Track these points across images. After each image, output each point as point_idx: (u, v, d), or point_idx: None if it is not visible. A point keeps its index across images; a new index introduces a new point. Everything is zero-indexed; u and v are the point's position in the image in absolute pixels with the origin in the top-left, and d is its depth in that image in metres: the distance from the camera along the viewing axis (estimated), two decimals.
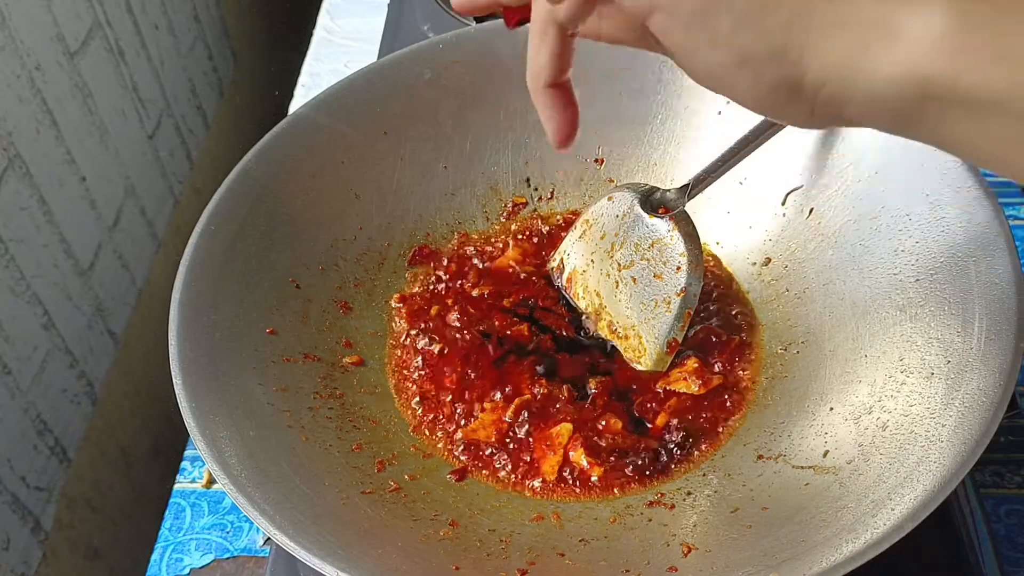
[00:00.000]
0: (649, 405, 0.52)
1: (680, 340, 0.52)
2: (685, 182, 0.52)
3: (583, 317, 0.56)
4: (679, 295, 0.52)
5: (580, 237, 0.57)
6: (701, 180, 0.52)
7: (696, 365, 0.52)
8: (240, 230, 0.53)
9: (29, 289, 0.69)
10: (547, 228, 0.62)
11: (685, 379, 0.52)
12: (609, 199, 0.55)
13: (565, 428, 0.51)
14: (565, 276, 0.58)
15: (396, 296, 0.59)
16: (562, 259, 0.58)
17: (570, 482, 0.49)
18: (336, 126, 0.58)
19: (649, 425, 0.51)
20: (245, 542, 0.59)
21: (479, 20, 0.80)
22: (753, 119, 0.52)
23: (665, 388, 0.52)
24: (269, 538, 0.52)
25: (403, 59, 0.60)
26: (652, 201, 0.54)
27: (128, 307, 0.84)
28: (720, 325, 0.55)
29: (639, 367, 0.53)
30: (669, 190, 0.53)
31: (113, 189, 0.82)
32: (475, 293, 0.59)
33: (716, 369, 0.53)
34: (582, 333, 0.56)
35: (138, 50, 0.87)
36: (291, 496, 0.43)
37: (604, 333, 0.55)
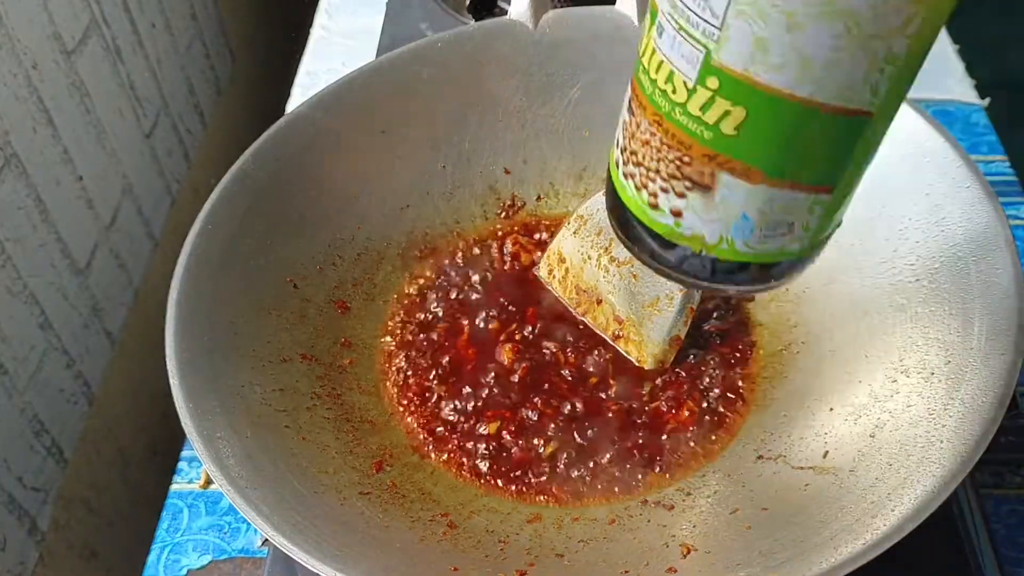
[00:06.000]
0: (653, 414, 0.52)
1: (683, 336, 0.52)
2: None
3: (575, 312, 0.56)
4: (681, 291, 0.51)
5: (574, 233, 0.56)
6: None
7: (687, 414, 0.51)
8: (237, 230, 0.53)
9: (26, 289, 0.69)
10: (546, 228, 0.62)
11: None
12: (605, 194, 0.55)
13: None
14: (559, 274, 0.57)
15: (394, 296, 0.58)
16: (555, 256, 0.58)
17: (570, 483, 0.49)
18: (334, 125, 0.58)
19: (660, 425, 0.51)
20: (242, 543, 0.58)
21: (478, 18, 0.80)
22: None
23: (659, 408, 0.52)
24: (267, 539, 0.52)
25: (401, 58, 0.60)
26: None
27: (125, 307, 0.84)
28: (719, 324, 0.55)
29: (643, 365, 0.53)
30: None
31: (110, 188, 0.82)
32: (474, 294, 0.58)
33: (711, 376, 0.53)
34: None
35: (135, 49, 0.87)
36: (288, 497, 0.43)
37: (601, 331, 0.55)
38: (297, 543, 0.39)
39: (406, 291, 0.59)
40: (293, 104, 0.85)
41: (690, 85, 0.32)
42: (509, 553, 0.44)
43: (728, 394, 0.52)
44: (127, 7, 0.85)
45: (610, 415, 0.51)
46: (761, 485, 0.46)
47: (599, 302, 0.55)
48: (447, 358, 0.55)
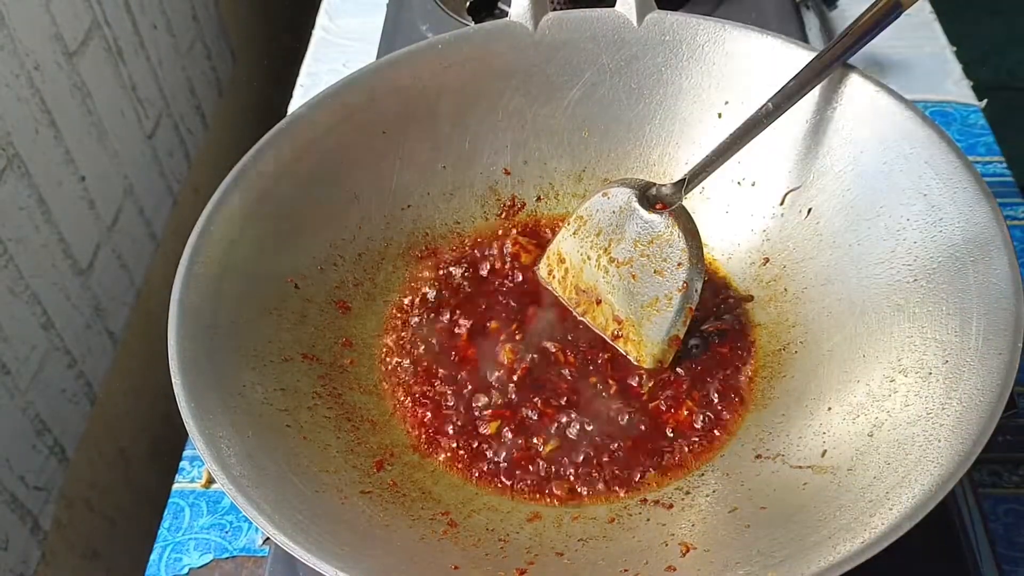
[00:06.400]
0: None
1: (681, 336, 0.53)
2: (680, 176, 0.53)
3: (574, 312, 0.56)
4: (680, 291, 0.52)
5: (574, 234, 0.57)
6: (697, 175, 0.52)
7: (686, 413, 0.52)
8: (239, 230, 0.53)
9: (28, 289, 0.69)
10: (546, 228, 0.62)
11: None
12: (604, 195, 0.55)
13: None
14: (559, 274, 0.57)
15: (395, 296, 0.59)
16: (555, 256, 0.58)
17: (569, 482, 0.49)
18: (335, 126, 0.58)
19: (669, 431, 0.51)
20: (244, 542, 0.59)
21: (478, 20, 0.80)
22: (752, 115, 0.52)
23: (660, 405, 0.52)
24: (268, 538, 0.52)
25: (401, 59, 0.60)
26: (648, 197, 0.53)
27: (127, 307, 0.84)
28: (718, 324, 0.55)
29: (642, 365, 0.53)
30: (664, 185, 0.53)
31: (112, 189, 0.82)
32: (474, 294, 0.59)
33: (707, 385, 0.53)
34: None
35: (137, 50, 0.87)
36: (290, 496, 0.43)
37: (600, 331, 0.55)
38: (298, 541, 0.40)
39: (406, 291, 0.59)
40: (294, 105, 0.85)
41: None
42: (509, 551, 0.45)
43: (727, 394, 0.52)
44: (129, 8, 0.86)
45: (610, 414, 0.51)
46: (760, 484, 0.46)
47: (599, 302, 0.55)
48: (447, 358, 0.55)
